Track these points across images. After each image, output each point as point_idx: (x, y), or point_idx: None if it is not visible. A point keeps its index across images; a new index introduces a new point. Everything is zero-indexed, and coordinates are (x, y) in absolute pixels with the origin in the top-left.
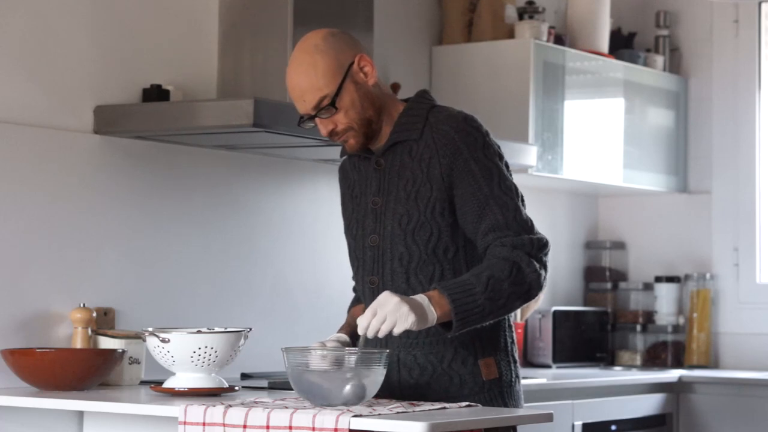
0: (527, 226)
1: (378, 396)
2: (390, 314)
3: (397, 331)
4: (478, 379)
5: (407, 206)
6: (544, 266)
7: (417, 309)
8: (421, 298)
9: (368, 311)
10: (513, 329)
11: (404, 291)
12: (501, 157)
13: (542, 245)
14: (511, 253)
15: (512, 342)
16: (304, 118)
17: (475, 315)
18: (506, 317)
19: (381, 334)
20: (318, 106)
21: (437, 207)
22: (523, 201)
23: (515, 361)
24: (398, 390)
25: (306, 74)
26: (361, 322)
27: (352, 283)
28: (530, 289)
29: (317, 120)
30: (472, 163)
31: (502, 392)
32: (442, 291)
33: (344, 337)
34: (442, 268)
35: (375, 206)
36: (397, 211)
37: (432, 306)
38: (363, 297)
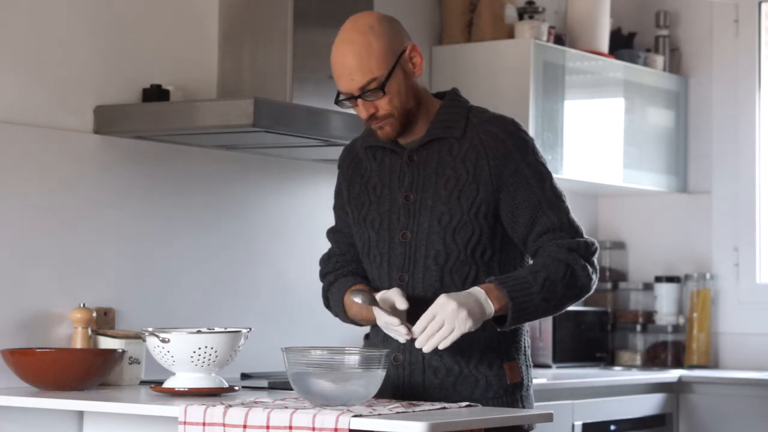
0: (579, 229)
1: (402, 398)
2: (448, 319)
3: (453, 338)
4: (503, 382)
5: (449, 205)
6: (596, 270)
7: (474, 311)
8: (477, 292)
9: (426, 314)
10: (529, 333)
11: (437, 290)
12: (545, 160)
13: (594, 249)
14: (567, 255)
15: (529, 346)
16: (343, 97)
17: (529, 314)
18: None
19: (435, 342)
20: (365, 88)
21: (482, 208)
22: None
23: (530, 365)
24: (422, 391)
25: (358, 54)
26: (418, 325)
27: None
28: (581, 292)
29: (359, 102)
30: (524, 167)
31: (522, 396)
32: (499, 286)
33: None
34: (477, 270)
35: (407, 202)
36: (436, 209)
37: (490, 300)
38: None
